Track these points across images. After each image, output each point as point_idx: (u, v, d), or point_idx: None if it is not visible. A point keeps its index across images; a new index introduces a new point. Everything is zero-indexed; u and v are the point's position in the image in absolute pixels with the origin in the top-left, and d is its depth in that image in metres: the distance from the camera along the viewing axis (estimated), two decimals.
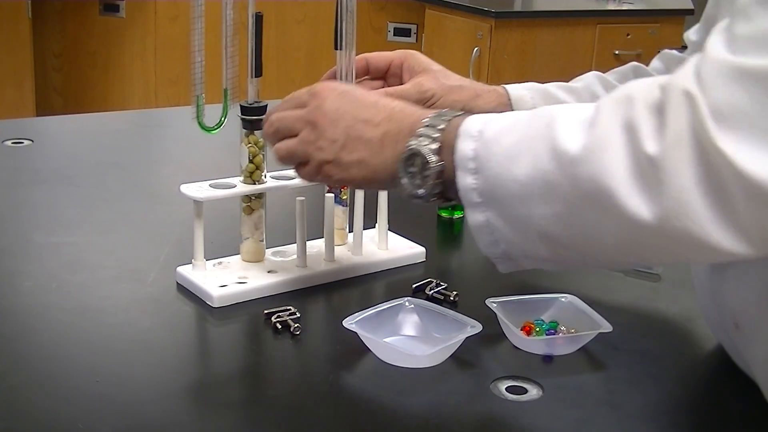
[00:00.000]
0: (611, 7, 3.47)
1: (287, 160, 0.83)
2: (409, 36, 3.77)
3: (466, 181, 0.70)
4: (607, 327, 0.87)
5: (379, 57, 1.01)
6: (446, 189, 0.73)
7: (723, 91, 0.61)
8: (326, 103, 0.80)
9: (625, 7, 3.48)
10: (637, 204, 0.62)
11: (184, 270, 0.98)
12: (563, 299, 0.92)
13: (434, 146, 0.73)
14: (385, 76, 1.03)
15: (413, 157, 0.73)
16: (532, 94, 1.03)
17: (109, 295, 0.95)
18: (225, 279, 0.96)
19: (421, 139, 0.73)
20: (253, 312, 0.92)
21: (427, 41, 3.47)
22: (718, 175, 0.60)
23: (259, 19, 0.94)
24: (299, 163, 0.82)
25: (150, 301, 0.95)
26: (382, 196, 1.05)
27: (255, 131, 0.96)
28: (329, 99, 0.80)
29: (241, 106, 0.96)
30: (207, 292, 0.94)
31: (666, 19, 3.46)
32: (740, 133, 0.60)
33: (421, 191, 0.74)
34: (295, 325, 0.88)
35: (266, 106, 0.96)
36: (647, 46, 3.35)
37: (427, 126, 0.74)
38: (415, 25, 3.73)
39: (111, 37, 3.66)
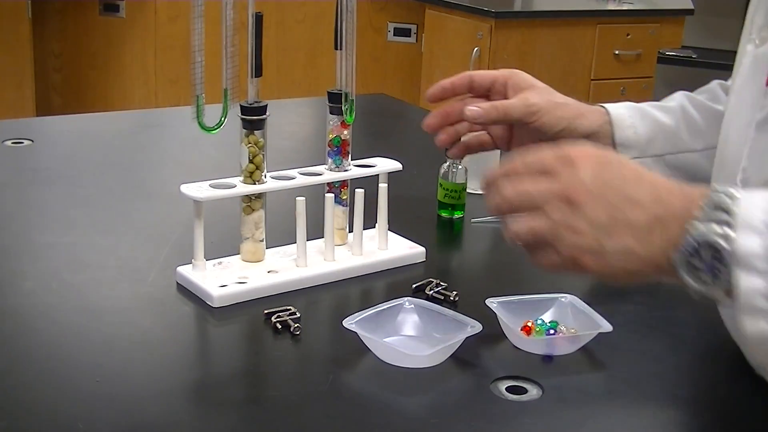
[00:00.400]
0: (611, 7, 3.47)
1: (527, 241, 0.67)
2: (409, 36, 3.77)
3: (751, 282, 0.59)
4: (607, 327, 0.87)
5: (484, 74, 1.02)
6: None
7: None
8: (584, 173, 0.64)
9: (625, 7, 3.48)
10: None
11: (184, 270, 0.98)
12: (563, 299, 0.92)
13: (730, 233, 0.60)
14: (489, 94, 1.04)
15: (701, 247, 0.60)
16: (630, 113, 1.04)
17: (109, 295, 0.95)
18: (225, 279, 0.96)
19: (710, 224, 0.61)
20: (253, 312, 0.92)
21: (427, 41, 3.47)
22: None
23: (259, 19, 0.94)
24: (540, 246, 0.66)
25: (150, 301, 0.95)
26: (382, 196, 1.05)
27: (255, 131, 0.96)
28: (587, 168, 0.64)
29: (241, 106, 0.96)
30: (207, 292, 0.94)
31: (666, 19, 3.46)
32: None
33: (712, 291, 0.61)
34: (295, 325, 0.88)
35: (266, 106, 0.96)
36: (647, 46, 3.36)
37: (714, 208, 0.61)
38: (415, 25, 3.73)
39: (111, 37, 3.66)
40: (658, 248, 0.63)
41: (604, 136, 1.03)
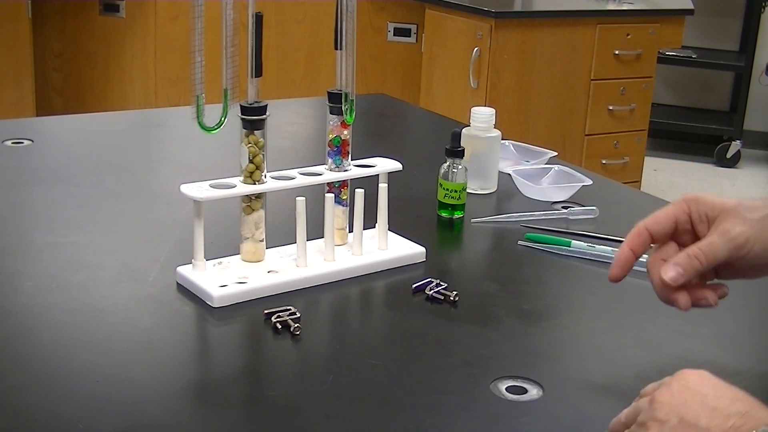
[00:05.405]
0: (611, 7, 3.46)
1: None
2: (409, 36, 3.76)
3: None
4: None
5: (660, 220, 0.83)
6: None
7: None
8: (663, 396, 0.69)
9: (625, 7, 3.47)
10: None
11: (184, 270, 0.98)
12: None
13: None
14: (674, 237, 0.85)
15: None
16: None
17: (109, 295, 0.95)
18: (225, 279, 0.96)
19: None
20: (253, 312, 0.92)
21: (427, 41, 3.46)
22: None
23: (259, 19, 0.94)
24: None
25: (150, 301, 0.95)
26: (382, 196, 1.05)
27: (255, 131, 0.96)
28: (670, 391, 0.69)
29: (241, 106, 0.96)
30: (207, 292, 0.94)
31: (666, 19, 3.45)
32: None
33: None
34: (295, 325, 0.88)
35: (266, 106, 0.96)
36: (647, 46, 3.35)
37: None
38: (415, 25, 3.73)
39: (111, 37, 3.66)
40: None
41: None
